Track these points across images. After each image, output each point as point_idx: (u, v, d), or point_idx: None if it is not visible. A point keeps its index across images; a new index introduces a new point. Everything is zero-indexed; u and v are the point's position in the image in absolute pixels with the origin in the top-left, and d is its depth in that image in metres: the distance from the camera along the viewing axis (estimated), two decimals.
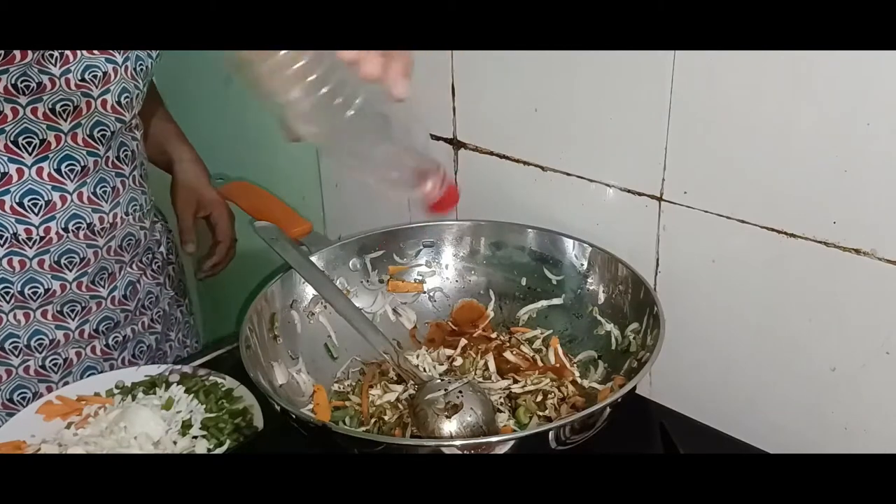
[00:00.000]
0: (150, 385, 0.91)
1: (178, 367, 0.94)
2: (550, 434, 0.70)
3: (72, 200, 0.92)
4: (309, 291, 0.93)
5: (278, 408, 0.75)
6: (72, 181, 0.92)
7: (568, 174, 0.94)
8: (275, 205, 1.01)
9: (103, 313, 1.00)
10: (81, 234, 0.94)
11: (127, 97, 0.94)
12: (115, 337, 1.03)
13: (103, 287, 0.99)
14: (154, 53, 0.99)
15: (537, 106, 0.94)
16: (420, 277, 1.00)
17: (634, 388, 0.76)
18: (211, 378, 0.92)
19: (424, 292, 1.00)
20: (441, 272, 1.00)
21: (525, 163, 0.98)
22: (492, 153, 1.02)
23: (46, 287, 0.94)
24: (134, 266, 1.03)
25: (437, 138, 1.07)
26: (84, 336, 0.99)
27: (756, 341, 0.84)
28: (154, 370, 0.94)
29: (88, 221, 0.94)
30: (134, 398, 0.89)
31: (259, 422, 0.84)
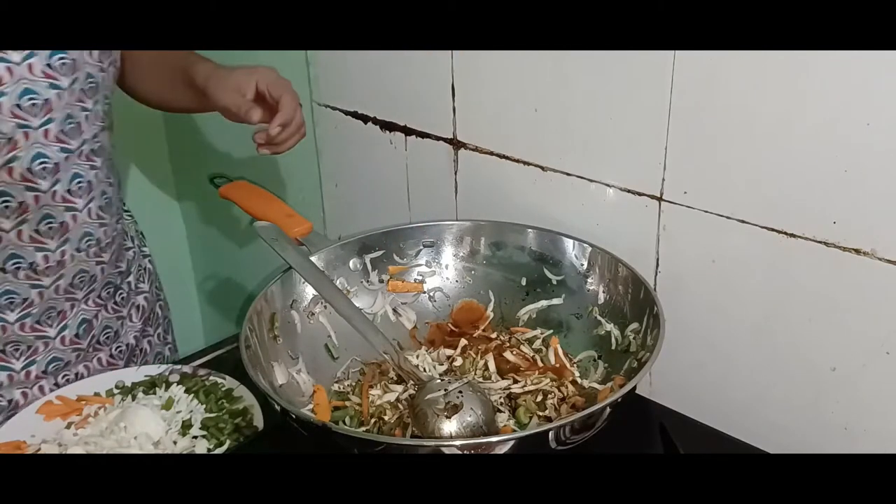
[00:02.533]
0: (150, 385, 0.91)
1: (179, 367, 0.95)
2: (550, 434, 0.70)
3: (9, 239, 0.86)
4: (309, 291, 0.93)
5: (278, 408, 0.75)
6: (8, 219, 0.85)
7: (568, 174, 0.94)
8: (275, 205, 1.00)
9: (51, 354, 0.95)
10: (22, 273, 0.88)
11: (73, 123, 0.87)
12: (66, 375, 0.97)
13: (51, 327, 0.94)
14: (106, 63, 0.91)
15: (537, 106, 0.94)
16: (420, 277, 1.00)
17: (634, 388, 0.76)
18: (211, 378, 0.92)
19: (424, 292, 1.00)
20: (441, 272, 1.00)
21: (525, 163, 0.98)
22: (492, 153, 1.02)
23: None
24: (90, 302, 0.97)
25: (438, 138, 1.07)
26: (30, 377, 0.94)
27: (756, 341, 0.84)
28: (154, 370, 0.94)
29: (30, 261, 0.88)
30: (134, 398, 0.89)
31: (259, 422, 0.84)
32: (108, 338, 1.02)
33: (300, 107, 0.94)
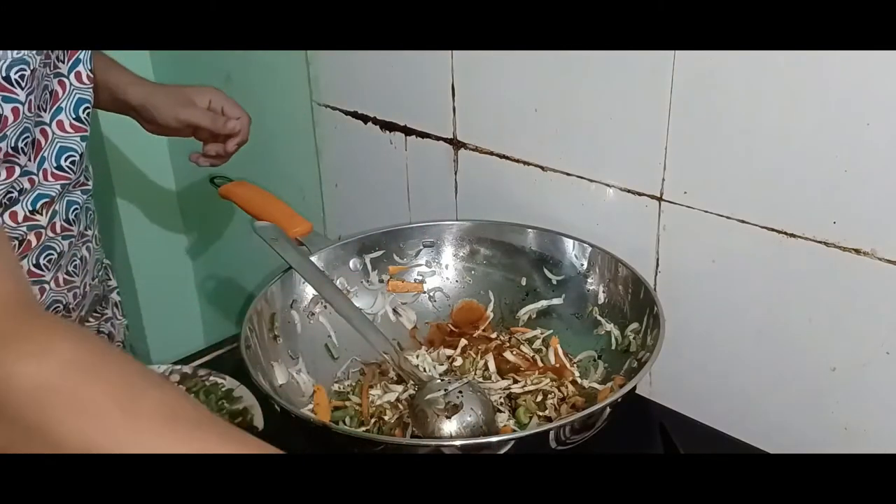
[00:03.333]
0: None
1: (179, 367, 0.95)
2: (550, 434, 0.70)
3: (50, 288, 0.87)
4: (309, 291, 0.93)
5: (278, 408, 0.75)
6: (50, 270, 0.86)
7: (568, 174, 0.94)
8: (275, 205, 1.00)
9: None
10: (59, 316, 0.88)
11: (83, 163, 0.88)
12: None
13: None
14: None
15: (537, 106, 0.94)
16: (420, 277, 1.00)
17: (634, 388, 0.76)
18: (211, 378, 0.92)
19: (424, 292, 1.00)
20: (441, 272, 1.00)
21: (525, 163, 0.98)
22: (492, 153, 1.02)
23: None
24: (91, 318, 0.99)
25: (438, 138, 1.07)
26: None
27: (756, 341, 0.84)
28: (155, 371, 0.94)
29: (65, 302, 0.89)
30: None
31: (259, 422, 0.84)
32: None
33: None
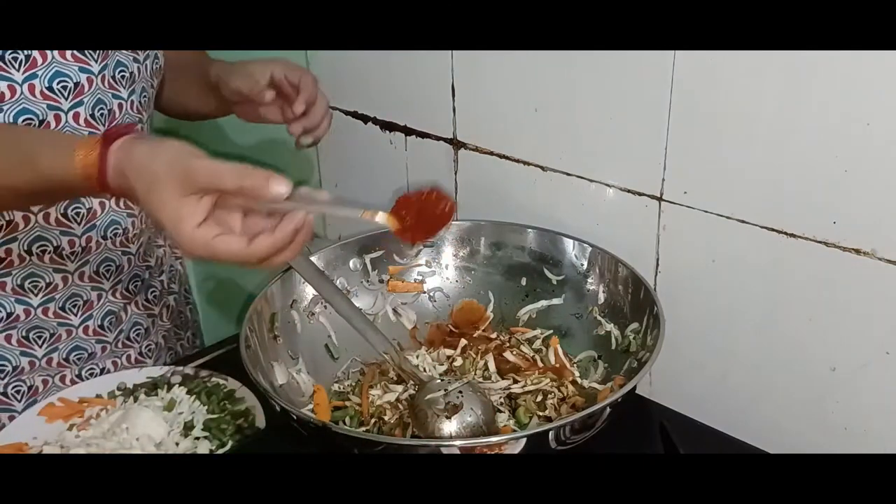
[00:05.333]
0: (152, 387, 0.91)
1: (181, 368, 0.95)
2: (550, 434, 0.70)
3: (36, 221, 0.87)
4: (309, 291, 0.93)
5: (278, 408, 0.75)
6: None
7: (568, 174, 0.94)
8: None
9: (74, 342, 0.95)
10: (47, 257, 0.89)
11: (102, 110, 0.88)
12: (91, 369, 0.98)
13: (75, 315, 0.94)
14: (142, 57, 0.93)
15: (537, 106, 0.94)
16: (420, 277, 1.00)
17: (634, 388, 0.76)
18: (213, 379, 0.92)
19: (424, 292, 1.00)
20: (441, 272, 1.00)
21: (525, 163, 0.98)
22: (492, 153, 1.02)
23: (8, 311, 0.90)
24: (117, 294, 0.98)
25: (438, 138, 1.07)
26: (52, 364, 0.95)
27: (756, 341, 0.84)
28: (156, 372, 0.94)
29: (56, 244, 0.89)
30: (136, 400, 0.89)
31: (261, 423, 0.84)
32: (138, 335, 1.03)
33: (321, 90, 0.95)
